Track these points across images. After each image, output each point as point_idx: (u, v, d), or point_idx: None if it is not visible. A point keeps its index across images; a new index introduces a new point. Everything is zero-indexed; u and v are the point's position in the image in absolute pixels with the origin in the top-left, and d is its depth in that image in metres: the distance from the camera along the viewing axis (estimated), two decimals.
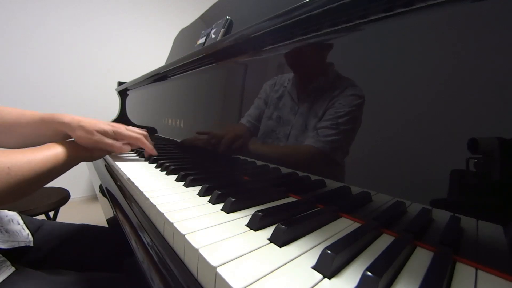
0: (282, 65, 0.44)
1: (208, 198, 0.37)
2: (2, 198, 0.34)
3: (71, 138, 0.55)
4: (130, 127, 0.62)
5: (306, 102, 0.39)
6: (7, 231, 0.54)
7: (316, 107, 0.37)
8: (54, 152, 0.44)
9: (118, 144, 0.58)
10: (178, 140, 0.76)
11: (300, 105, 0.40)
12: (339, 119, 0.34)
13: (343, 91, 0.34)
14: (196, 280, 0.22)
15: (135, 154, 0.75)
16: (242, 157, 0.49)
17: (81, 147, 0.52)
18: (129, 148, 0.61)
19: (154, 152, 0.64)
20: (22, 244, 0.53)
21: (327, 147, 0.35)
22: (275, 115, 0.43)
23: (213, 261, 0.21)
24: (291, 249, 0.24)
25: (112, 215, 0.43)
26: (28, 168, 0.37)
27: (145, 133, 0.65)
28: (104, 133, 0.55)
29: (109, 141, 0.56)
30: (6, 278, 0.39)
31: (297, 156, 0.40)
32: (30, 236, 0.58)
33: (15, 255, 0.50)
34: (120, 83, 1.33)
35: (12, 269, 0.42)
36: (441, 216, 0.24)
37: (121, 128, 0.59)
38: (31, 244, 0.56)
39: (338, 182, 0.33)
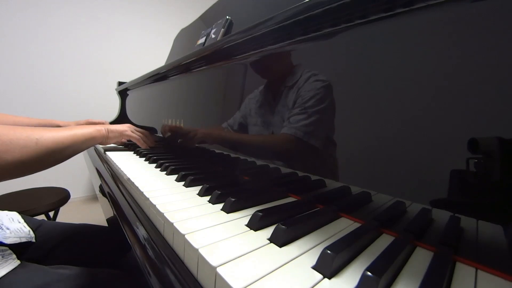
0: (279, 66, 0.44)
1: (208, 198, 0.37)
2: (31, 165, 0.41)
3: None
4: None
5: (281, 102, 0.41)
6: (8, 228, 0.54)
7: (288, 102, 0.40)
8: (73, 132, 0.52)
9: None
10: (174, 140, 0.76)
11: (276, 105, 0.42)
12: (305, 104, 0.36)
13: (306, 81, 0.37)
14: (196, 280, 0.22)
15: (134, 153, 0.75)
16: (242, 157, 0.49)
17: (96, 133, 0.61)
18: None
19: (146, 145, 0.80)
20: (23, 240, 0.54)
21: (300, 133, 0.37)
22: (259, 121, 0.45)
23: (213, 261, 0.21)
24: (291, 249, 0.24)
25: (112, 215, 0.44)
26: (52, 141, 0.45)
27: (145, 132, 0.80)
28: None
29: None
30: (11, 270, 0.41)
31: (274, 146, 0.42)
32: (32, 232, 0.58)
33: (17, 251, 0.50)
34: (120, 83, 1.33)
35: (18, 262, 0.44)
36: (441, 216, 0.24)
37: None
38: (33, 240, 0.57)
39: (337, 182, 0.33)
